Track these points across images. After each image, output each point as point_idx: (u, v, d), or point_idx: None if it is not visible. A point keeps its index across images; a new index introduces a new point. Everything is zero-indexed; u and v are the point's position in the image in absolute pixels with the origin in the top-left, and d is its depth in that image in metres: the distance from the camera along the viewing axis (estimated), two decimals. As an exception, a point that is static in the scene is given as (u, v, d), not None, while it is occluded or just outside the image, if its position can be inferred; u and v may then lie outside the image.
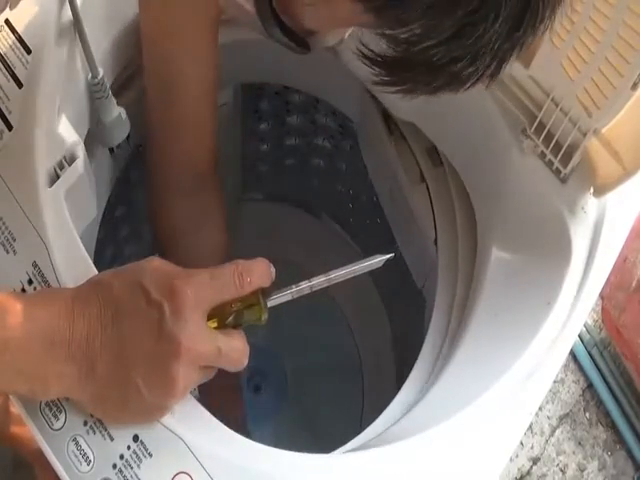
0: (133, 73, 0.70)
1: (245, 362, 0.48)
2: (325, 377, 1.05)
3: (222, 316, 0.47)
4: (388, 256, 0.52)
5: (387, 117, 0.75)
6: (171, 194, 0.70)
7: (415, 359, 0.66)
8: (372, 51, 0.39)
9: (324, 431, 0.99)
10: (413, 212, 0.75)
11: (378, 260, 0.51)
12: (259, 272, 0.48)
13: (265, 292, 0.49)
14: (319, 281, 0.50)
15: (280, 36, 0.45)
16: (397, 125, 0.75)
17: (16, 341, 0.43)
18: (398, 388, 0.65)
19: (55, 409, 0.47)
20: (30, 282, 0.51)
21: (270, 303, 0.49)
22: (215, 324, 0.47)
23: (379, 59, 0.38)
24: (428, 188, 0.73)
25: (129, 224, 0.88)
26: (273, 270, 0.49)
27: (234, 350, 0.47)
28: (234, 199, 1.07)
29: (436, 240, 0.72)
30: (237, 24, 0.72)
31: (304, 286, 0.50)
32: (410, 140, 0.75)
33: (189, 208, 0.71)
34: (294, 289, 0.50)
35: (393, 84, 0.39)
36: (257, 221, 1.07)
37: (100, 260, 0.77)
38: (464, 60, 0.37)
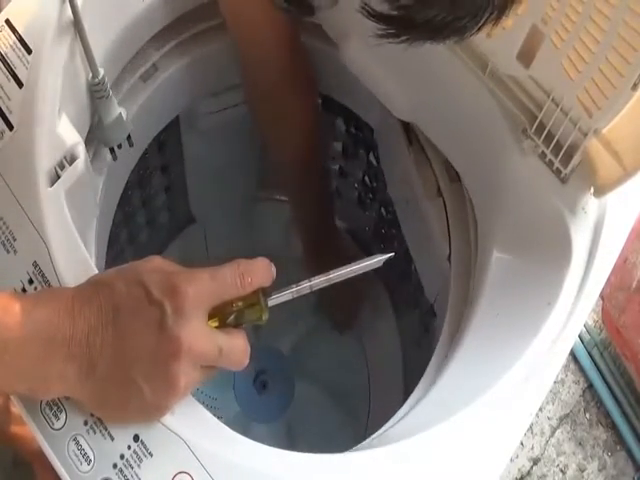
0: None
1: (246, 362, 0.48)
2: (332, 381, 1.05)
3: (223, 315, 0.47)
4: (388, 256, 0.52)
5: (408, 127, 0.74)
6: (259, 91, 0.77)
7: (422, 372, 0.65)
8: (374, 10, 0.39)
9: (329, 436, 0.99)
10: (428, 226, 0.74)
11: (378, 260, 0.51)
12: (260, 272, 0.48)
13: (266, 291, 0.49)
14: (319, 280, 0.51)
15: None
16: (417, 137, 0.74)
17: (16, 341, 0.43)
18: (404, 396, 0.64)
19: (55, 409, 0.47)
20: (31, 282, 0.51)
21: (271, 302, 0.49)
22: (216, 323, 0.47)
23: (382, 17, 0.39)
24: (445, 203, 0.72)
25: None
26: (274, 269, 0.49)
27: (235, 349, 0.47)
28: (249, 197, 1.07)
29: (449, 256, 0.71)
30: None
31: (304, 285, 0.50)
32: (429, 153, 0.73)
33: (272, 106, 0.77)
34: (294, 288, 0.50)
35: (397, 36, 0.39)
36: (272, 220, 1.07)
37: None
38: (467, 17, 0.37)
